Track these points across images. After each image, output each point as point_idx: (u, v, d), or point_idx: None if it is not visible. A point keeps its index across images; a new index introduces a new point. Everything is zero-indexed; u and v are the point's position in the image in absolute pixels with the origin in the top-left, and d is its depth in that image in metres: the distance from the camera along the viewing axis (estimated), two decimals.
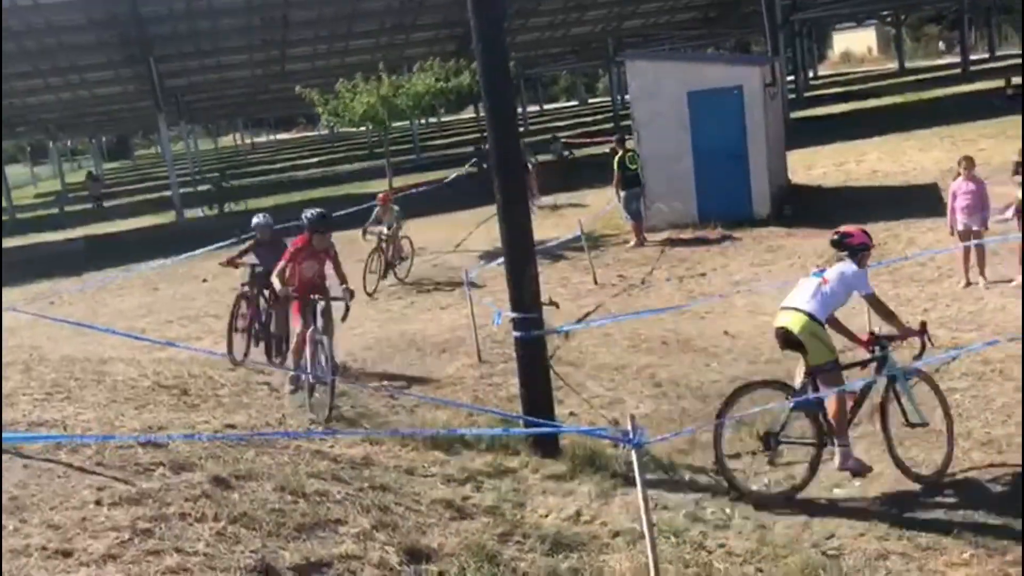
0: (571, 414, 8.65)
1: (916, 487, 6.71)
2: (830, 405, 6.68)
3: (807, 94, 47.11)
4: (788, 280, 12.65)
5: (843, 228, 7.35)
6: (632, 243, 16.98)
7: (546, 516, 6.40)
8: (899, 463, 6.79)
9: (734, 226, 16.80)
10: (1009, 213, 11.71)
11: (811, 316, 6.69)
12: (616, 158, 17.36)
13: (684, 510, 6.64)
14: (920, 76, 49.58)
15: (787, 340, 6.83)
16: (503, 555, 5.45)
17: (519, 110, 57.78)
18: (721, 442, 6.82)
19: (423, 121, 68.59)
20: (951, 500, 6.55)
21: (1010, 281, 11.54)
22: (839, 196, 19.05)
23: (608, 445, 7.44)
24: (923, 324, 7.05)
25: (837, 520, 6.34)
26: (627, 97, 22.44)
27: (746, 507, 6.65)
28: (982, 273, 11.69)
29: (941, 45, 75.09)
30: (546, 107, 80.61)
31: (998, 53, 54.31)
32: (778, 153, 19.37)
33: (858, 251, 7.08)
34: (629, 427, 5.23)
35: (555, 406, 8.17)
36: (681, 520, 6.44)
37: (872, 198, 18.12)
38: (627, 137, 18.10)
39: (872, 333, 7.14)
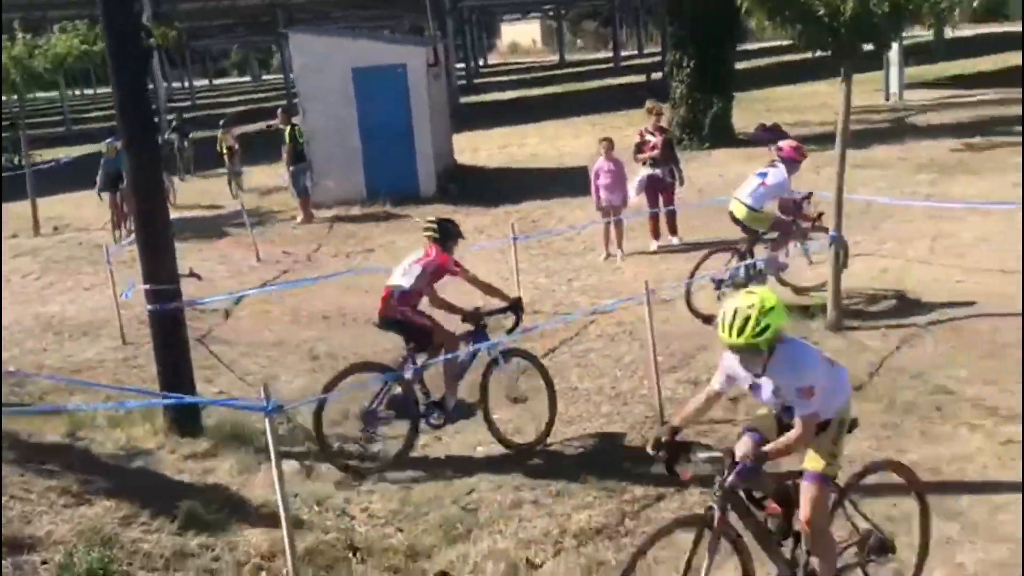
0: (220, 392, 8.30)
1: (554, 441, 7.13)
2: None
3: (476, 81, 48.84)
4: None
5: (781, 143, 9.71)
6: (299, 219, 16.65)
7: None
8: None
9: (401, 203, 16.98)
10: (632, 191, 12.76)
11: (750, 207, 9.21)
12: (287, 132, 16.91)
13: (332, 479, 6.60)
14: (578, 68, 53.12)
15: (735, 220, 9.35)
16: (123, 537, 5.07)
17: (185, 84, 54.86)
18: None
19: (76, 92, 63.18)
20: (581, 449, 7.02)
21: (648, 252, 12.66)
22: (501, 176, 19.86)
23: (256, 420, 7.19)
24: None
25: (478, 476, 6.57)
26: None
27: (392, 471, 6.72)
28: (620, 246, 12.66)
29: (579, 43, 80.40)
30: (216, 82, 76.93)
31: (646, 51, 59.32)
32: (444, 133, 19.83)
33: (787, 162, 9.31)
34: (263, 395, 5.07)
35: (203, 384, 7.80)
36: (326, 488, 6.39)
37: (530, 179, 19.06)
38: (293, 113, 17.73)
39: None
